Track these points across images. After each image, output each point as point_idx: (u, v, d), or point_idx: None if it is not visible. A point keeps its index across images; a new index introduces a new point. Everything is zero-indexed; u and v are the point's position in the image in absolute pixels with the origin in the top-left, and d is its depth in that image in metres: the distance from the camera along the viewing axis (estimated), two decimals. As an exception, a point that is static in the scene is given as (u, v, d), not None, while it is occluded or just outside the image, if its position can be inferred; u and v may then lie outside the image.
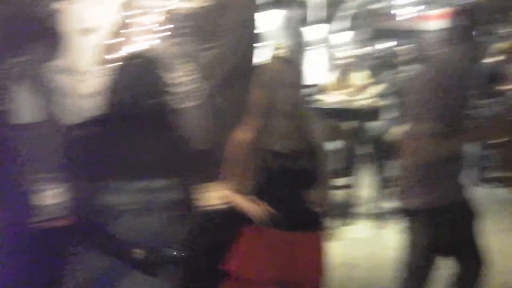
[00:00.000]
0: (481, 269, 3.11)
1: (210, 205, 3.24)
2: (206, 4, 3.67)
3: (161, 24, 3.59)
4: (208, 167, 3.25)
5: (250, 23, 3.94)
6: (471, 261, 3.11)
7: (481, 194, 6.38)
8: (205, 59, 3.62)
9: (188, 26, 3.63)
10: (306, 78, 2.57)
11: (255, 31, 4.06)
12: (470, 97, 3.02)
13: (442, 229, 2.95)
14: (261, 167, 2.64)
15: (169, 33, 3.59)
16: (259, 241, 2.70)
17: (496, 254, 5.00)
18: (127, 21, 3.44)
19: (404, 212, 3.10)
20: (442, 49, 2.93)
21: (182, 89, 3.60)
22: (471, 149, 6.45)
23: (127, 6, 3.46)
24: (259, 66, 2.77)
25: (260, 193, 2.67)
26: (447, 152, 2.85)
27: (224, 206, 2.99)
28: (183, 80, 3.58)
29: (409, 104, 2.96)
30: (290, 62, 2.79)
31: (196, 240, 2.36)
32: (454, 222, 2.97)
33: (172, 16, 3.61)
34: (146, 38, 3.50)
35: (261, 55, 4.12)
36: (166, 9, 3.61)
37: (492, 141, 2.83)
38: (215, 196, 3.19)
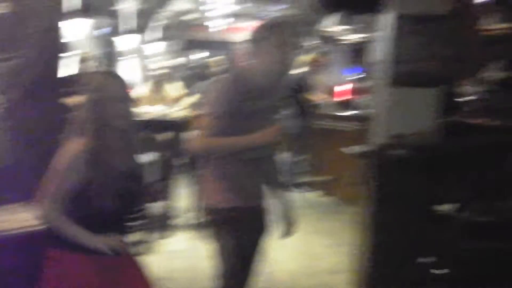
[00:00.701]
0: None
1: (14, 229, 3.00)
2: (3, 11, 3.42)
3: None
4: (9, 186, 3.00)
5: (54, 32, 3.74)
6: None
7: (292, 199, 6.67)
8: (2, 70, 3.38)
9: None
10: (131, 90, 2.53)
11: (60, 41, 3.86)
12: (275, 106, 3.12)
13: (242, 233, 3.02)
14: (94, 184, 2.50)
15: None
16: (73, 266, 2.55)
17: (306, 256, 5.29)
18: None
19: (208, 216, 3.14)
20: (248, 60, 3.01)
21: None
22: (282, 155, 6.75)
23: None
24: (86, 81, 2.64)
25: (88, 213, 2.52)
26: (222, 151, 2.94)
27: (35, 228, 2.79)
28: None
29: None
30: (116, 76, 2.71)
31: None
32: (249, 226, 3.04)
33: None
34: None
35: (69, 65, 3.94)
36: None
37: (273, 146, 2.95)
38: (22, 218, 2.96)
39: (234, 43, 8.72)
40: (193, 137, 3.01)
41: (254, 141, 2.92)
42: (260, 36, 3.00)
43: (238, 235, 3.00)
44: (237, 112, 2.91)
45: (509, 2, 5.77)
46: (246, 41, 3.04)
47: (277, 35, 2.98)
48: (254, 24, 3.16)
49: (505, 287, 3.32)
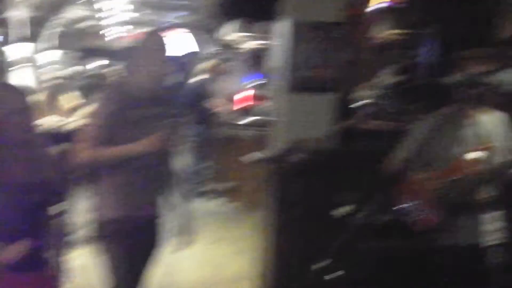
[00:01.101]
0: None
1: None
2: None
3: None
4: None
5: None
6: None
7: (194, 207, 6.63)
8: None
9: None
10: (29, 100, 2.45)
11: None
12: (163, 114, 3.09)
13: (130, 245, 2.96)
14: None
15: None
16: None
17: (210, 264, 5.26)
18: None
19: (98, 228, 3.08)
20: (131, 68, 2.99)
21: None
22: (184, 163, 6.68)
23: None
24: None
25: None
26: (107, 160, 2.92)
27: None
28: None
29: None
30: (12, 88, 2.62)
31: None
32: (138, 237, 2.98)
33: None
34: None
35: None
36: None
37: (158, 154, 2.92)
38: None
39: (131, 50, 8.56)
40: (77, 148, 2.94)
41: (135, 150, 2.88)
42: (139, 44, 3.00)
43: (126, 246, 2.95)
44: (121, 121, 2.87)
45: (400, 10, 6.04)
46: (128, 50, 3.03)
47: (154, 43, 2.98)
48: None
49: (401, 286, 3.44)
